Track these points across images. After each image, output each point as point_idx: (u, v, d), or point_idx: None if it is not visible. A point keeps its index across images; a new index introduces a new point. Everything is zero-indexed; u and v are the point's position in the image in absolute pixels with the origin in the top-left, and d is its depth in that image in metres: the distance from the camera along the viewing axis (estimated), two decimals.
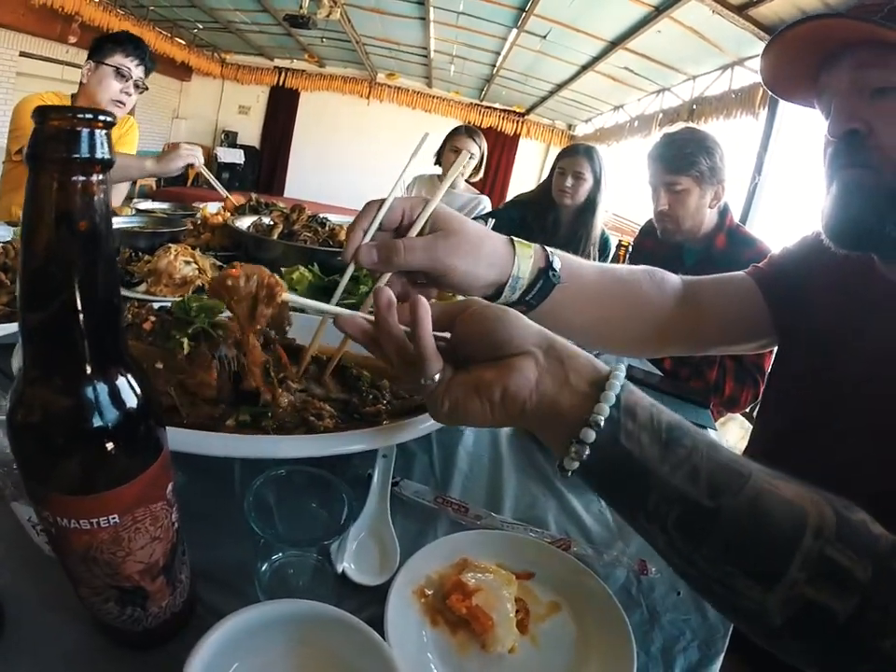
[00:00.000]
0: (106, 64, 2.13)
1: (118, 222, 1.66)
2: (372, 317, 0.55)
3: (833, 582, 0.44)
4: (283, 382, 0.76)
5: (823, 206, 0.80)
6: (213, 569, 0.62)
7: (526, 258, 0.77)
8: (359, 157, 9.28)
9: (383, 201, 0.70)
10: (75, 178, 0.33)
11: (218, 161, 9.17)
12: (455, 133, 3.17)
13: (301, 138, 10.02)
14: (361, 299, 1.01)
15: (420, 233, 0.70)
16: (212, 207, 1.97)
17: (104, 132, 0.33)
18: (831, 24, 0.73)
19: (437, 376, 0.53)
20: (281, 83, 9.70)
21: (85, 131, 0.32)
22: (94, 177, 0.33)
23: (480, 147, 3.14)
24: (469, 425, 0.56)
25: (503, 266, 0.76)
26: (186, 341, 0.76)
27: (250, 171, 9.67)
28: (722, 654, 0.68)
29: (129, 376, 0.41)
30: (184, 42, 8.24)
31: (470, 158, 3.11)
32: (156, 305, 0.88)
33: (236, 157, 9.32)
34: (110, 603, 0.47)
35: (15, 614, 0.54)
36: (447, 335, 0.55)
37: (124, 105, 2.21)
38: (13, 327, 0.90)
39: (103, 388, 0.39)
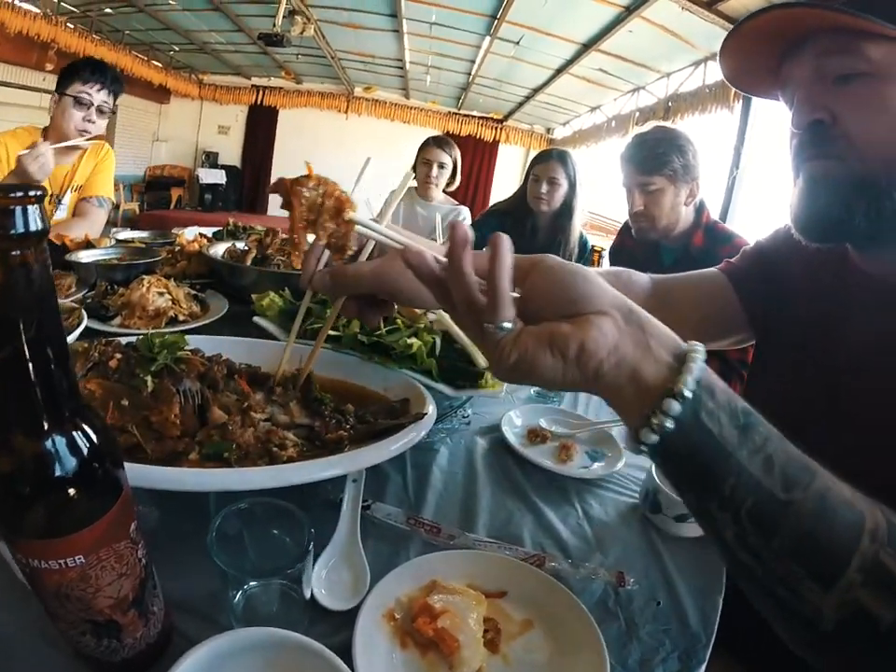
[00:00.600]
0: (67, 94, 2.11)
1: (95, 255, 1.66)
2: (441, 256, 0.51)
3: (884, 588, 0.43)
4: (246, 412, 0.78)
5: (791, 199, 0.80)
6: (188, 600, 0.64)
7: None
8: (341, 171, 9.06)
9: None
10: (14, 252, 0.35)
11: (200, 182, 9.17)
12: (424, 144, 3.17)
13: (281, 155, 10.03)
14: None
15: (371, 256, 0.72)
16: (189, 234, 1.98)
17: (35, 206, 0.35)
18: (790, 14, 0.72)
19: (507, 324, 0.48)
20: (259, 101, 9.72)
21: (18, 209, 0.34)
22: (31, 249, 0.35)
23: (451, 157, 3.14)
24: (533, 382, 0.50)
25: None
26: (149, 378, 0.77)
27: (232, 191, 9.67)
28: (705, 664, 0.68)
29: (84, 425, 0.43)
30: (161, 64, 8.24)
31: (442, 168, 3.13)
32: (123, 341, 0.89)
33: (218, 177, 9.32)
34: (87, 636, 0.49)
35: (2, 647, 0.56)
36: (516, 294, 0.49)
37: (90, 133, 2.17)
38: None
39: (59, 440, 0.41)
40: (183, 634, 0.60)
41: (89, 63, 2.19)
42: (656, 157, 1.99)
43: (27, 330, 0.37)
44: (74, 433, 0.42)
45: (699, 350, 0.47)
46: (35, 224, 0.35)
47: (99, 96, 2.16)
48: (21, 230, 0.34)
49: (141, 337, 0.86)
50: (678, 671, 0.66)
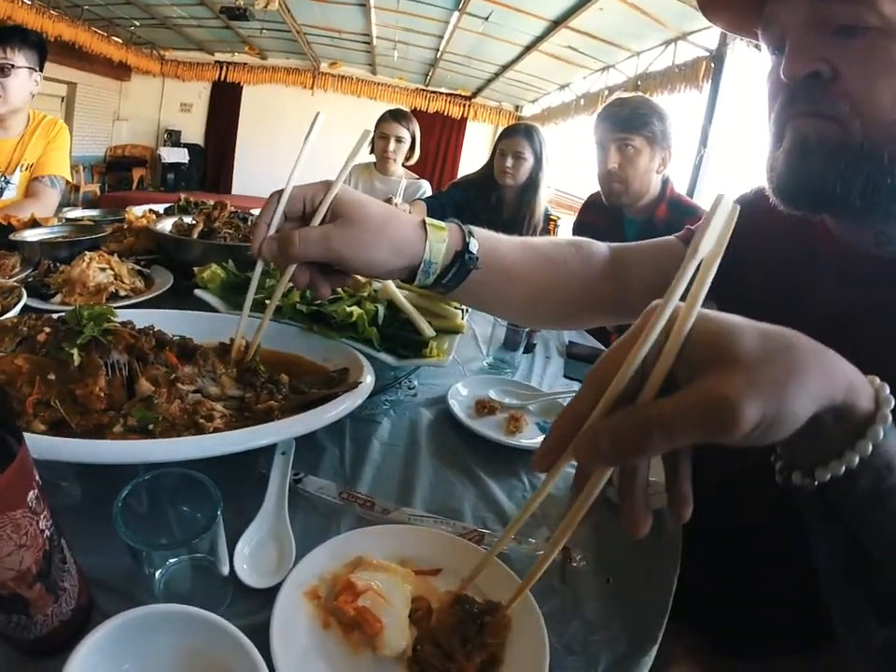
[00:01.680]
0: None
1: (40, 234, 1.61)
2: None
3: None
4: (173, 384, 0.76)
5: (772, 160, 0.71)
6: (109, 578, 0.62)
7: (439, 241, 0.75)
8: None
9: (283, 191, 0.70)
10: None
11: (162, 161, 9.01)
12: (380, 119, 3.14)
13: (245, 133, 9.90)
14: (269, 293, 1.00)
15: (323, 220, 0.71)
16: (137, 210, 1.93)
17: None
18: None
19: None
20: (223, 78, 9.56)
21: None
22: None
23: (409, 130, 3.12)
24: None
25: (413, 251, 0.74)
26: (76, 351, 0.75)
27: (195, 170, 9.54)
28: (657, 644, 0.65)
29: None
30: (121, 41, 8.05)
31: (399, 142, 3.12)
32: (55, 316, 0.87)
33: (180, 156, 9.18)
34: None
35: None
36: None
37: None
38: None
39: None
40: (103, 611, 0.58)
41: None
42: (638, 117, 2.03)
43: None
44: None
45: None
46: None
47: None
48: None
49: (70, 310, 0.83)
50: (626, 651, 0.64)
